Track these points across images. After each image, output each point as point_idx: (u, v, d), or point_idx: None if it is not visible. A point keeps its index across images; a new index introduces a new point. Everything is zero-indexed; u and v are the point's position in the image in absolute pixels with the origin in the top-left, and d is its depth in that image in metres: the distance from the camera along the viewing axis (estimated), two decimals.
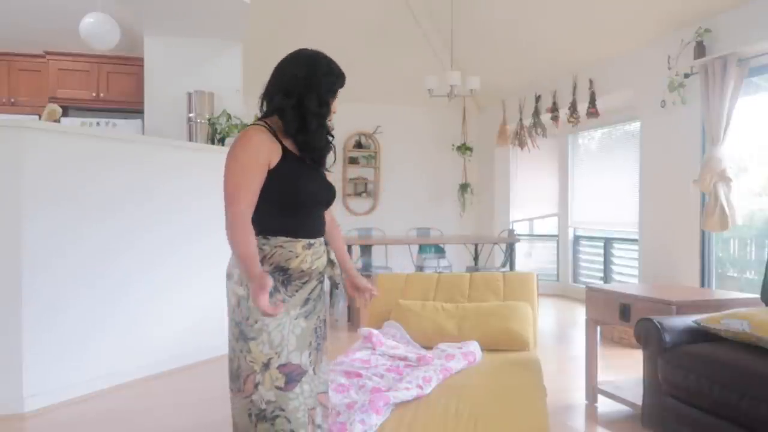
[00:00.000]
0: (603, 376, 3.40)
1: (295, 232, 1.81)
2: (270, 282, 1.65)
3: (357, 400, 2.20)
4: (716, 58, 4.24)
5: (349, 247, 5.73)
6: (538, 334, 3.90)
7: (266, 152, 1.75)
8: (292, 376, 1.77)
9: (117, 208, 3.67)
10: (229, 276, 1.82)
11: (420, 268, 6.45)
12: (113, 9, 4.71)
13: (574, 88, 6.24)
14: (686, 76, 4.65)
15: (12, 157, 3.17)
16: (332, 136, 1.91)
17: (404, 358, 2.71)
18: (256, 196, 1.74)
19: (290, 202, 1.81)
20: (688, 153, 4.75)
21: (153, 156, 3.94)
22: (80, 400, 3.38)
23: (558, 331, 5.51)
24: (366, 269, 6.06)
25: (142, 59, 5.32)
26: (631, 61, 5.44)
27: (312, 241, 1.85)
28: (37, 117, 5.40)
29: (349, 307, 5.65)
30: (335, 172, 7.86)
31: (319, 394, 1.86)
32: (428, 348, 2.92)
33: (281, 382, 1.75)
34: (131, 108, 5.78)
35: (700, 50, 4.43)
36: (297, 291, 1.83)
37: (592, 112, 5.95)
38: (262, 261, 1.76)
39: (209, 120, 4.97)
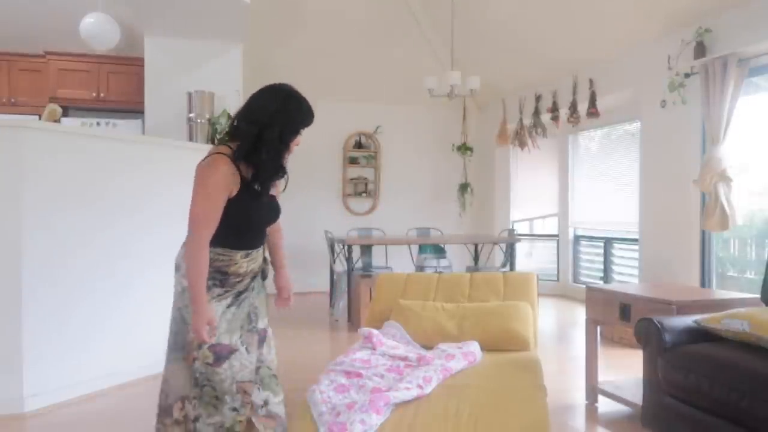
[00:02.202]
0: (603, 376, 3.40)
1: (237, 246, 2.08)
2: (215, 321, 1.99)
3: (357, 400, 2.20)
4: (716, 58, 4.25)
5: (350, 247, 5.74)
6: (538, 334, 3.89)
7: (229, 185, 1.96)
8: (221, 355, 2.05)
9: (117, 208, 3.67)
10: (177, 268, 2.13)
11: (420, 268, 6.45)
12: (113, 9, 4.71)
13: (574, 88, 6.24)
14: (686, 76, 4.65)
15: (12, 157, 3.17)
16: (284, 168, 2.11)
17: (404, 358, 2.71)
18: (218, 222, 1.97)
19: (240, 225, 2.06)
20: (688, 153, 4.75)
21: (153, 156, 3.94)
22: (80, 400, 3.38)
23: (558, 331, 5.51)
24: (366, 269, 6.06)
25: (142, 59, 5.32)
26: (631, 61, 5.45)
27: (250, 251, 2.13)
28: (37, 117, 5.41)
29: (349, 307, 5.65)
30: (336, 172, 7.93)
31: (242, 383, 2.09)
32: (428, 348, 2.92)
33: (210, 360, 2.04)
34: (131, 108, 5.78)
35: (700, 50, 4.43)
36: (232, 287, 2.11)
37: (592, 112, 5.95)
38: (215, 271, 2.05)
39: (209, 120, 4.97)
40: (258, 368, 2.20)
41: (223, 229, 2.01)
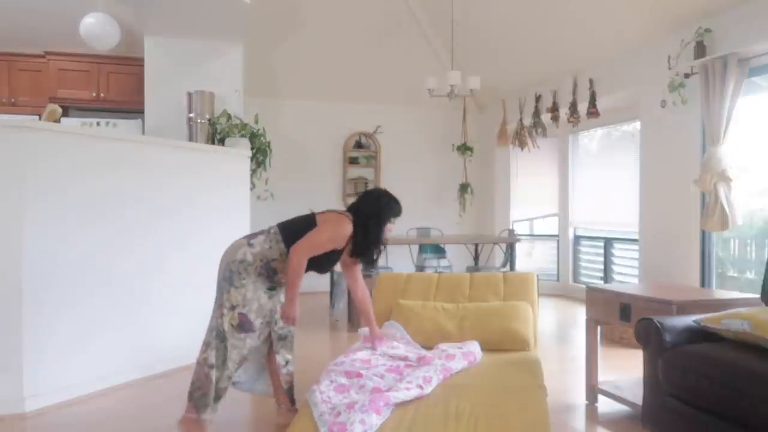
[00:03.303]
0: (603, 376, 3.40)
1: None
2: (298, 316, 2.72)
3: (357, 400, 2.20)
4: (716, 58, 4.24)
5: None
6: (539, 334, 3.89)
7: (341, 243, 2.68)
8: (243, 325, 2.64)
9: (117, 208, 3.67)
10: (251, 245, 2.69)
11: (420, 268, 6.44)
12: (113, 9, 4.71)
13: (574, 88, 6.25)
14: (686, 76, 4.65)
15: (12, 157, 3.17)
16: (384, 246, 2.84)
17: (404, 358, 2.71)
18: (317, 254, 2.65)
19: (318, 264, 2.71)
20: (688, 153, 4.75)
21: (153, 156, 3.94)
22: (80, 400, 3.38)
23: (558, 331, 5.51)
24: (366, 269, 6.05)
25: (142, 59, 5.32)
26: (631, 61, 5.45)
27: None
28: (37, 117, 5.41)
29: (349, 308, 5.65)
30: (336, 172, 7.92)
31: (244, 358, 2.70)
32: (428, 348, 2.92)
33: (235, 323, 2.63)
34: (131, 108, 5.78)
35: (700, 50, 4.42)
36: (273, 283, 2.74)
37: (592, 112, 5.95)
38: (270, 260, 2.68)
39: (210, 120, 4.97)
40: (285, 336, 2.84)
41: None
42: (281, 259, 2.68)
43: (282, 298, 2.80)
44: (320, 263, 2.72)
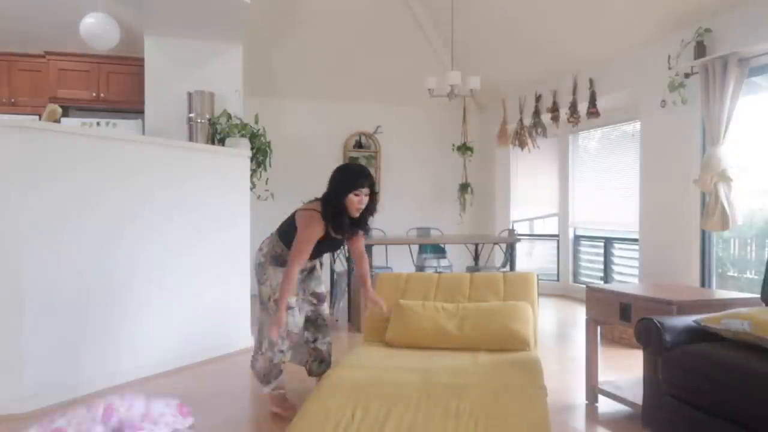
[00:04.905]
0: (603, 376, 3.40)
1: None
2: (284, 320, 2.83)
3: None
4: (716, 58, 4.25)
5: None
6: (539, 334, 3.89)
7: (318, 234, 2.88)
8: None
9: (117, 208, 3.67)
10: (260, 249, 3.16)
11: (420, 268, 6.44)
12: (113, 9, 4.71)
13: (574, 88, 6.25)
14: (686, 76, 4.65)
15: (12, 157, 3.17)
16: (372, 214, 3.00)
17: None
18: (309, 254, 2.90)
19: (319, 251, 3.04)
20: (688, 153, 4.75)
21: (153, 156, 3.94)
22: (81, 399, 3.37)
23: (558, 331, 5.51)
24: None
25: (142, 59, 5.32)
26: (631, 61, 5.45)
27: (307, 263, 3.18)
28: (37, 117, 5.41)
29: (349, 307, 5.65)
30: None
31: (290, 332, 3.05)
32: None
33: (273, 311, 2.97)
34: (131, 108, 5.78)
35: (700, 50, 4.43)
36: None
37: (592, 112, 5.95)
38: (278, 256, 3.06)
39: (209, 120, 4.97)
40: (316, 319, 3.26)
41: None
42: (281, 248, 3.06)
43: (309, 276, 3.25)
44: (321, 250, 3.04)
